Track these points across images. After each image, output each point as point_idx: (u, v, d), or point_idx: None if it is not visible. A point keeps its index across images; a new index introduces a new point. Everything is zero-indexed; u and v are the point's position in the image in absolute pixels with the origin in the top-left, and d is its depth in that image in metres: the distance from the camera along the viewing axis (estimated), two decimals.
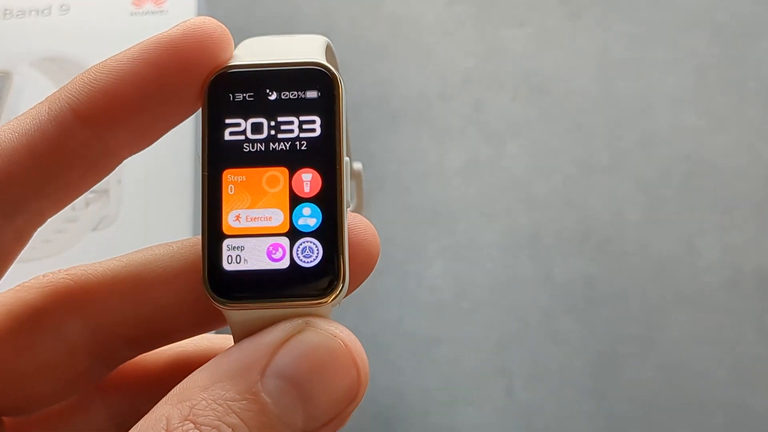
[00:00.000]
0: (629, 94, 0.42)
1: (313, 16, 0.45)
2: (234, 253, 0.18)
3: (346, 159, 0.19)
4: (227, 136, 0.18)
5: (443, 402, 0.37)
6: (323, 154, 0.18)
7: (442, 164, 0.40)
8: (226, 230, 0.18)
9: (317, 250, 0.18)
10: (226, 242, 0.18)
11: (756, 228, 0.38)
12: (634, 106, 0.41)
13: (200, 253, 0.18)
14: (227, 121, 0.18)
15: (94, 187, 0.31)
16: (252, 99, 0.19)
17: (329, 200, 0.18)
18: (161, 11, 0.39)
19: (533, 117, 0.41)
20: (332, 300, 0.18)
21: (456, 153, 0.40)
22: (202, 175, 0.18)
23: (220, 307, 0.18)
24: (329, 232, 0.18)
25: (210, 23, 0.18)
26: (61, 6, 0.39)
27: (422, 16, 0.44)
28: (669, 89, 0.42)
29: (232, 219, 0.18)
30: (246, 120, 0.18)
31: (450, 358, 0.37)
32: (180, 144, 0.36)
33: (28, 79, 0.37)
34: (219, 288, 0.18)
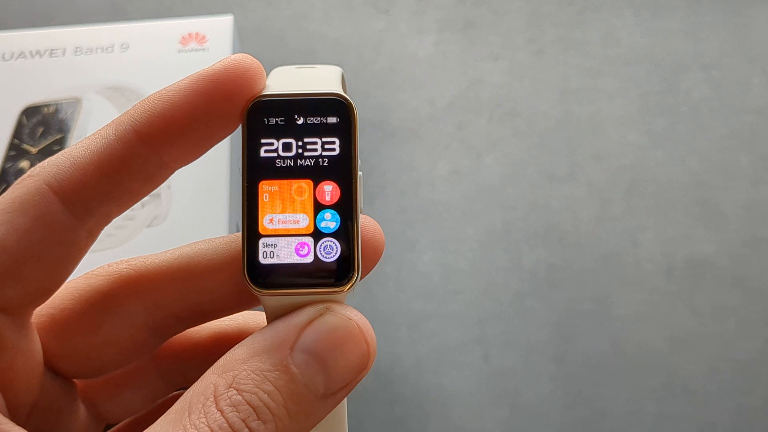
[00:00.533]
0: (584, 117, 0.42)
1: (327, 52, 0.45)
2: (268, 250, 0.18)
3: (359, 173, 0.19)
4: (263, 153, 0.18)
5: (432, 366, 0.37)
6: (342, 170, 0.18)
7: (431, 173, 0.40)
8: (261, 231, 0.18)
9: (336, 248, 0.18)
10: (261, 240, 0.18)
11: (686, 225, 0.38)
12: (588, 126, 0.42)
13: (239, 248, 0.18)
14: (263, 141, 0.18)
15: None
16: (283, 123, 0.18)
17: (346, 207, 0.18)
18: (203, 49, 0.39)
19: (506, 135, 0.41)
20: (348, 288, 0.18)
21: (443, 164, 0.40)
22: (242, 185, 0.18)
23: (257, 293, 0.18)
24: (346, 234, 0.18)
25: (246, 59, 0.19)
26: (122, 44, 0.40)
27: (415, 52, 0.44)
28: (616, 112, 0.42)
29: (266, 221, 0.18)
30: (278, 140, 0.18)
31: (437, 331, 0.37)
32: (218, 157, 0.36)
33: (94, 104, 0.37)
34: (256, 278, 0.18)
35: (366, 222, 0.20)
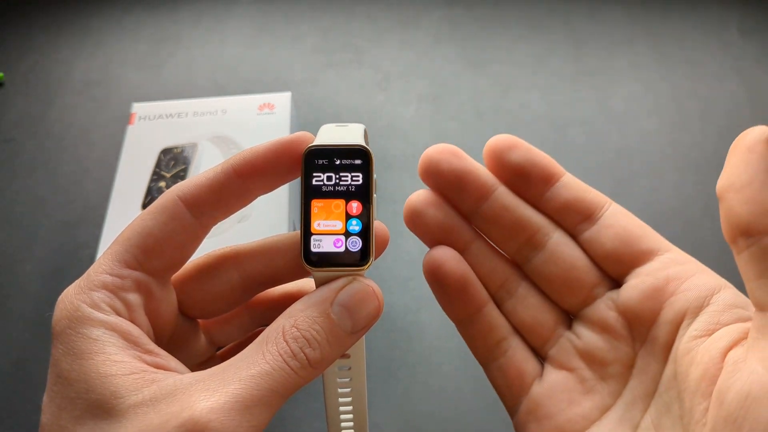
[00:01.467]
0: None
1: (348, 114, 0.45)
2: (316, 243, 0.18)
3: (375, 196, 0.19)
4: (314, 182, 0.18)
5: (413, 308, 0.36)
6: (363, 194, 0.18)
7: (414, 190, 0.39)
8: (312, 231, 0.18)
9: (359, 242, 0.18)
10: (312, 237, 0.18)
11: None
12: None
13: (298, 241, 0.18)
14: (314, 174, 0.18)
15: None
16: (327, 163, 0.18)
17: (366, 218, 0.18)
18: (273, 113, 0.39)
19: None
20: (365, 267, 0.18)
21: (421, 185, 0.39)
22: (301, 202, 0.18)
23: (309, 269, 0.18)
24: (365, 234, 0.18)
25: (305, 135, 0.18)
26: (222, 110, 0.40)
27: (403, 114, 0.44)
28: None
29: (316, 225, 0.18)
30: (323, 174, 0.18)
31: (417, 287, 0.37)
32: (279, 193, 0.35)
33: (205, 147, 0.37)
34: (308, 260, 0.18)
35: (378, 225, 0.19)
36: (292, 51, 0.49)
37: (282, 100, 0.39)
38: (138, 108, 0.39)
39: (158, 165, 0.36)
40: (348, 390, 0.20)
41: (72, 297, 0.17)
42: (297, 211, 0.38)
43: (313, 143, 0.18)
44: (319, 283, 0.18)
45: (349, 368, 0.20)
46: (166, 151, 0.37)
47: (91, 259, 0.35)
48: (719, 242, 0.36)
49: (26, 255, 0.38)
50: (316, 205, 0.18)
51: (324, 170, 0.18)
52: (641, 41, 0.47)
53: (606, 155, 0.41)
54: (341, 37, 0.49)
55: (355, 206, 0.18)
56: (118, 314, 0.17)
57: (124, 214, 0.34)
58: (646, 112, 0.43)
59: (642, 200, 0.38)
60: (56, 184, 0.41)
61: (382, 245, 0.19)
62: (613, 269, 0.19)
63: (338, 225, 0.18)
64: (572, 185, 0.20)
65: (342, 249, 0.18)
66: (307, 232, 0.18)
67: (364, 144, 0.18)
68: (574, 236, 0.20)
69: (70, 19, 0.53)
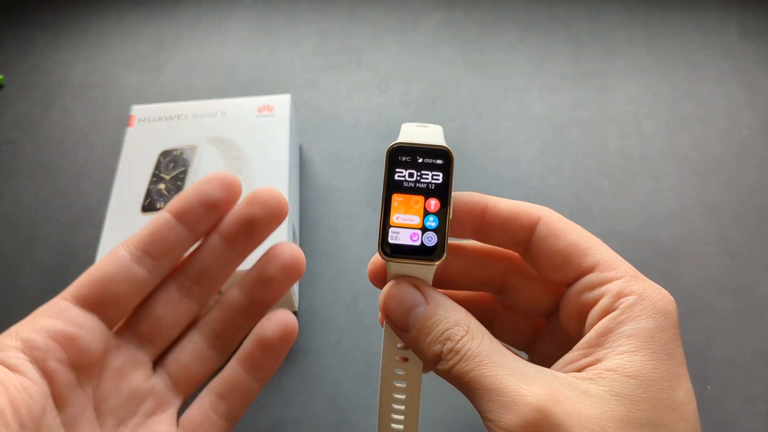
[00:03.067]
0: (507, 156, 0.41)
1: (347, 117, 0.44)
2: (394, 235, 0.18)
3: (453, 194, 0.19)
4: (396, 177, 0.19)
5: None
6: (442, 192, 0.19)
7: None
8: (392, 223, 0.18)
9: (435, 238, 0.18)
10: (391, 229, 0.18)
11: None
12: (509, 162, 0.41)
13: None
14: (397, 169, 0.19)
15: None
16: (410, 160, 0.19)
17: (443, 215, 0.18)
18: (272, 115, 0.39)
19: (459, 168, 0.40)
20: (438, 263, 0.18)
21: None
22: (383, 195, 0.19)
23: (385, 259, 0.18)
24: (442, 231, 0.18)
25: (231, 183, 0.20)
26: (222, 112, 0.39)
27: (403, 116, 0.44)
28: (527, 153, 0.41)
29: (395, 218, 0.18)
30: (406, 170, 0.19)
31: None
32: (279, 178, 0.35)
33: (204, 148, 0.37)
34: (385, 251, 0.18)
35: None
36: (291, 53, 0.49)
37: (281, 103, 0.39)
38: (137, 110, 0.39)
39: (158, 167, 0.36)
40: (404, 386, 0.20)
41: None
42: (297, 213, 0.38)
43: (398, 140, 0.19)
44: (393, 273, 0.19)
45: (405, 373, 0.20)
46: (165, 153, 0.37)
47: (91, 261, 0.35)
48: (719, 243, 0.36)
49: (26, 256, 0.38)
50: (397, 199, 0.18)
51: (407, 167, 0.19)
52: (641, 43, 0.47)
53: (605, 157, 0.41)
54: (341, 39, 0.49)
55: (433, 203, 0.18)
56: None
57: (123, 216, 0.34)
58: (646, 113, 0.43)
59: (641, 202, 0.38)
60: (56, 186, 0.41)
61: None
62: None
63: (416, 220, 0.18)
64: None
65: (417, 243, 0.18)
66: (386, 224, 0.18)
67: (446, 146, 0.19)
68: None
69: (69, 21, 0.53)
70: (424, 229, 0.18)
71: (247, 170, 0.35)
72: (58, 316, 0.18)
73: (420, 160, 0.19)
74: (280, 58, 0.48)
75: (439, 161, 0.19)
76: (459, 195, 0.20)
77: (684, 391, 0.16)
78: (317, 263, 0.36)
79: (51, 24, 0.53)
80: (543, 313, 0.22)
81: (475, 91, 0.45)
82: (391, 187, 0.19)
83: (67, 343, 0.18)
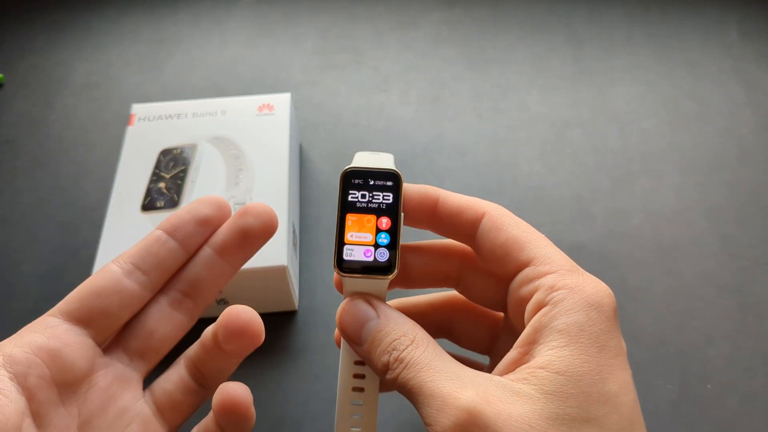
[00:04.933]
0: (507, 156, 0.41)
1: (349, 116, 0.44)
2: (349, 252, 0.20)
3: (402, 214, 0.20)
4: (350, 198, 0.20)
5: None
6: (392, 211, 0.20)
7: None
8: (346, 241, 0.20)
9: (387, 254, 0.20)
10: (345, 246, 0.20)
11: (569, 222, 0.37)
12: (509, 161, 0.41)
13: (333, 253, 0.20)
14: (350, 191, 0.20)
15: (239, 199, 0.30)
16: (362, 183, 0.20)
17: (393, 232, 0.20)
18: (272, 114, 0.39)
19: (458, 167, 0.41)
20: (391, 277, 0.19)
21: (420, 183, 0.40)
22: (337, 215, 0.20)
23: (340, 275, 0.20)
24: (393, 247, 0.20)
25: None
26: (222, 111, 0.40)
27: (403, 116, 0.44)
28: (527, 153, 0.42)
29: (349, 236, 0.20)
30: (358, 191, 0.20)
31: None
32: (279, 188, 0.35)
33: (205, 147, 0.37)
34: (341, 267, 0.20)
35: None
36: (291, 52, 0.49)
37: (281, 101, 0.39)
38: (138, 109, 0.39)
39: (158, 166, 0.36)
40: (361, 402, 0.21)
41: None
42: (297, 212, 0.38)
43: (350, 165, 0.20)
44: (349, 288, 0.20)
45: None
46: (165, 152, 0.36)
47: (91, 260, 0.35)
48: (719, 242, 0.36)
49: (26, 256, 0.38)
50: (351, 218, 0.20)
51: (359, 188, 0.20)
52: (641, 42, 0.47)
53: (605, 156, 0.41)
54: (341, 38, 0.49)
55: (384, 221, 0.20)
56: None
57: (123, 215, 0.34)
58: (646, 112, 0.43)
59: (641, 201, 0.38)
60: (56, 185, 0.41)
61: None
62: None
63: (369, 237, 0.19)
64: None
65: (371, 259, 0.19)
66: (341, 242, 0.20)
67: (396, 169, 0.20)
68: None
69: (69, 20, 0.53)
70: (376, 246, 0.19)
71: (247, 169, 0.35)
72: (44, 332, 0.17)
73: (371, 183, 0.20)
74: (280, 57, 0.48)
75: (389, 183, 0.20)
76: (412, 187, 0.21)
77: (618, 383, 0.16)
78: (317, 262, 0.36)
79: (51, 23, 0.53)
80: (500, 306, 0.22)
81: (476, 90, 0.45)
82: (345, 207, 0.20)
83: (51, 359, 0.17)
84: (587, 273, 0.19)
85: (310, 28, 0.50)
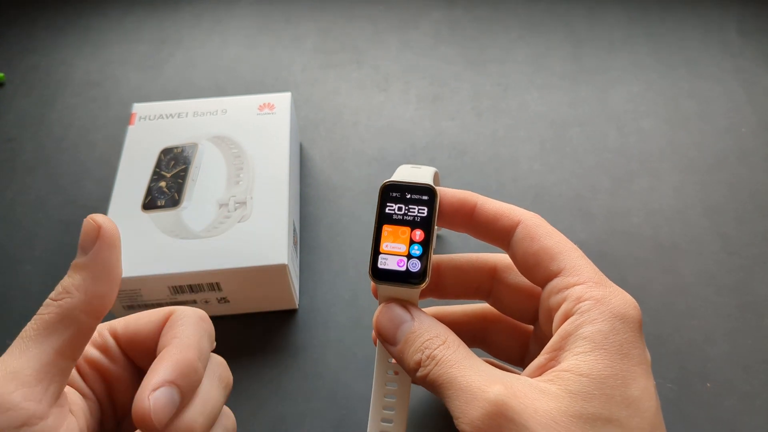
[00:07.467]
0: (506, 154, 0.41)
1: (348, 115, 0.44)
2: (383, 261, 0.21)
3: (436, 228, 0.21)
4: (386, 210, 0.21)
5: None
6: (426, 224, 0.21)
7: None
8: (381, 250, 0.21)
9: (419, 264, 0.21)
10: (380, 256, 0.21)
11: (569, 221, 0.37)
12: (509, 160, 0.41)
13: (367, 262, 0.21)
14: (388, 204, 0.21)
15: (240, 198, 0.30)
16: (399, 196, 0.21)
17: (426, 244, 0.21)
18: (273, 113, 0.39)
19: (458, 166, 0.41)
20: (422, 286, 0.20)
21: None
22: (374, 226, 0.21)
23: (375, 282, 0.21)
24: (425, 258, 0.21)
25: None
26: (223, 110, 0.40)
27: (403, 115, 0.44)
28: (526, 152, 0.41)
29: (384, 246, 0.21)
30: (395, 204, 0.21)
31: None
32: (279, 187, 0.35)
33: (205, 146, 0.37)
34: (375, 275, 0.21)
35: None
36: (292, 51, 0.49)
37: (282, 101, 0.39)
38: (138, 108, 0.39)
39: (158, 165, 0.36)
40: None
41: None
42: (297, 210, 0.38)
43: (390, 179, 0.21)
44: (382, 295, 0.21)
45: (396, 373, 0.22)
46: (166, 151, 0.36)
47: None
48: (719, 241, 0.36)
49: (26, 255, 0.38)
50: (387, 229, 0.21)
51: (396, 201, 0.21)
52: (640, 41, 0.47)
53: (605, 155, 0.41)
54: (341, 37, 0.49)
55: (418, 234, 0.21)
56: None
57: (124, 214, 0.34)
58: (645, 111, 0.43)
59: (640, 200, 0.38)
60: (56, 184, 0.41)
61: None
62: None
63: (402, 248, 0.20)
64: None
65: (404, 269, 0.20)
66: (376, 251, 0.21)
67: (432, 184, 0.21)
68: None
69: (70, 19, 0.53)
70: (409, 256, 0.20)
71: (248, 168, 0.35)
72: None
73: (408, 196, 0.21)
74: (280, 56, 0.48)
75: (425, 197, 0.21)
76: (451, 192, 0.22)
77: (640, 389, 0.17)
78: (317, 261, 0.36)
79: (52, 22, 0.52)
80: (528, 319, 0.23)
81: (476, 90, 0.45)
82: (382, 218, 0.21)
83: None
84: (615, 285, 0.20)
85: (311, 27, 0.50)
